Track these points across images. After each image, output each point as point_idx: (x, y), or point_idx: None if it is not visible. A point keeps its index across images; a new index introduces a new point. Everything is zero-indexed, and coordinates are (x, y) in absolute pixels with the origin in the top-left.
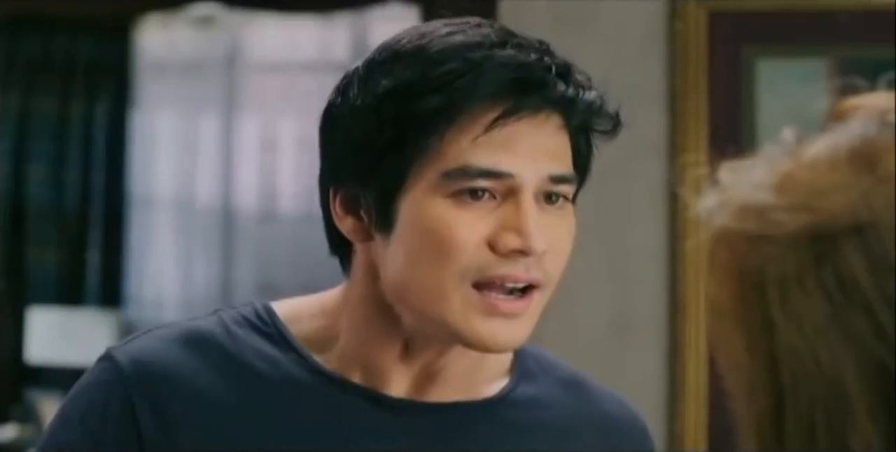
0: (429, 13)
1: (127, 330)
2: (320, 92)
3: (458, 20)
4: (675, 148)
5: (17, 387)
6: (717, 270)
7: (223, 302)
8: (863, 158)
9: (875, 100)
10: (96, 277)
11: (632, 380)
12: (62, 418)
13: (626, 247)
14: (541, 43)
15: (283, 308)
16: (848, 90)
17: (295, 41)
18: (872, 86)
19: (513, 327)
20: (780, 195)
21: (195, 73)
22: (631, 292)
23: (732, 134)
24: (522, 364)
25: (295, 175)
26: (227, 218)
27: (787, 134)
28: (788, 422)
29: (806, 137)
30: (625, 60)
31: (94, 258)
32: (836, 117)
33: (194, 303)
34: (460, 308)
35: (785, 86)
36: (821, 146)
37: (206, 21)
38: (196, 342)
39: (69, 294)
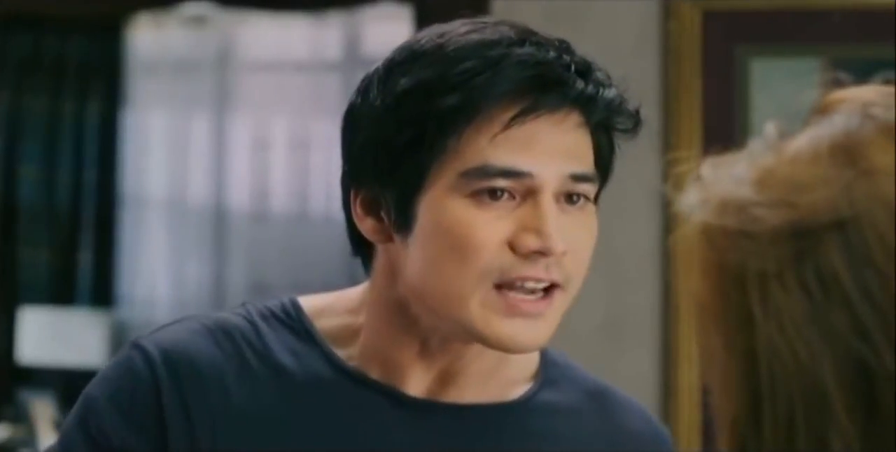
0: (421, 12)
1: (119, 330)
2: (313, 91)
3: (477, 19)
4: (668, 147)
5: (8, 387)
6: (698, 266)
7: (215, 301)
8: (844, 152)
9: (859, 93)
10: (88, 277)
11: (625, 380)
12: (88, 401)
13: (619, 246)
14: (560, 41)
15: (309, 303)
16: (836, 85)
17: (287, 40)
18: (862, 85)
19: (534, 327)
20: (761, 190)
21: (187, 73)
22: (624, 291)
23: (726, 133)
24: (547, 371)
25: (287, 174)
26: (219, 217)
27: (770, 129)
28: (766, 419)
29: (788, 132)
30: (618, 59)
31: (85, 258)
32: (821, 111)
33: (186, 303)
34: (480, 308)
35: (778, 86)
36: (803, 140)
37: (198, 20)
38: (222, 334)
39: (61, 294)
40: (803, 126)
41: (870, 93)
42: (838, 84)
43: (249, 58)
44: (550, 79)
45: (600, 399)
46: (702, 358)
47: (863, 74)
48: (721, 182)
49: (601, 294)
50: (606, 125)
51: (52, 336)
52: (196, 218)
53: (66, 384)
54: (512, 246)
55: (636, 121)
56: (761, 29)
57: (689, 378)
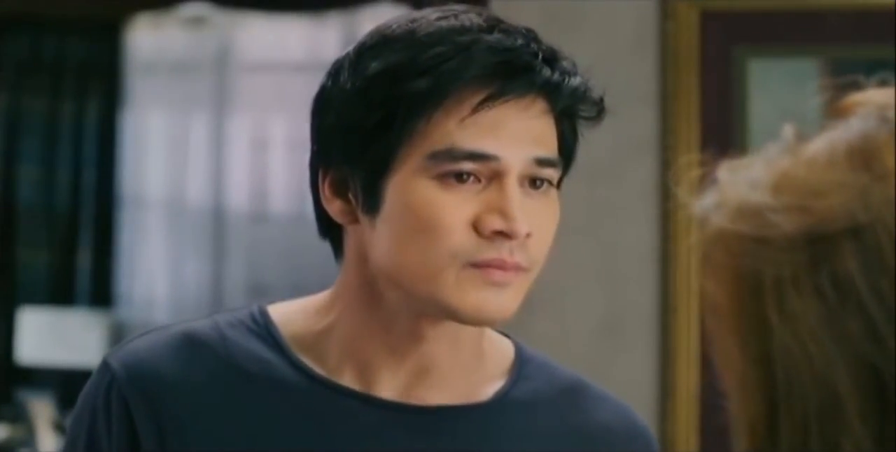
0: None
1: (118, 330)
2: (311, 92)
3: (448, 7)
4: (666, 148)
5: (7, 388)
6: (714, 270)
7: (214, 302)
8: (861, 156)
9: (875, 97)
10: (87, 277)
11: (622, 381)
12: (73, 431)
13: (617, 247)
14: (528, 30)
15: (277, 310)
16: (841, 87)
17: (285, 41)
18: (863, 86)
19: (502, 297)
20: (777, 195)
21: (186, 73)
22: (622, 292)
23: (724, 134)
24: (521, 367)
25: (286, 175)
26: (218, 218)
27: (787, 131)
28: (782, 424)
29: (805, 135)
30: (616, 60)
31: (84, 258)
32: (837, 114)
33: (185, 303)
34: (454, 284)
35: (776, 86)
36: (819, 144)
37: (197, 21)
38: (188, 344)
39: (60, 294)
40: (817, 130)
41: (886, 96)
42: (845, 86)
43: (248, 58)
44: (518, 65)
45: (574, 394)
46: (718, 362)
47: (860, 75)
48: (737, 185)
49: (599, 295)
50: (571, 112)
51: (51, 336)
52: (195, 218)
53: (65, 384)
54: (476, 228)
55: (600, 109)
56: (759, 29)
57: (687, 378)
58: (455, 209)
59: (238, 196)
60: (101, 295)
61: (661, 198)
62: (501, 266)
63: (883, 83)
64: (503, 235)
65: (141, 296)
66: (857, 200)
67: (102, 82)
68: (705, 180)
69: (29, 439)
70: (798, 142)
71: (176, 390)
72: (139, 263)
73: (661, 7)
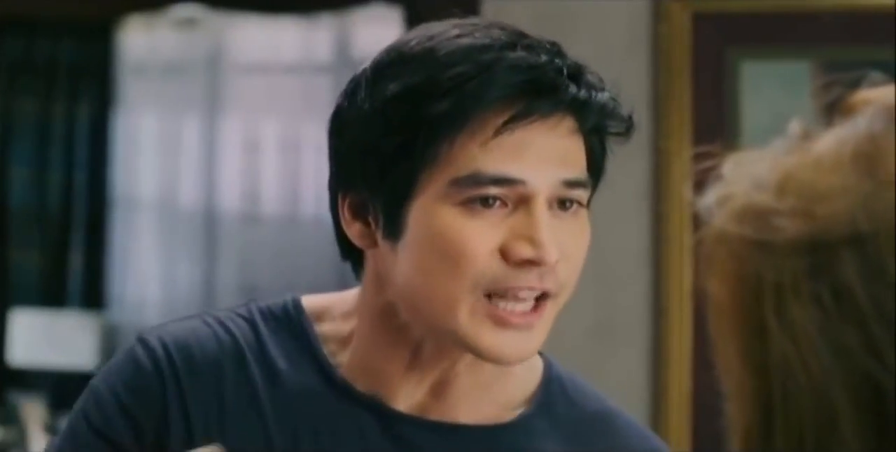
0: (411, 14)
1: (110, 332)
2: (303, 93)
3: (467, 21)
4: (658, 150)
5: None
6: (715, 270)
7: (206, 303)
8: (866, 159)
9: (885, 95)
10: (79, 279)
11: (615, 383)
12: (93, 393)
13: (609, 250)
14: (552, 44)
15: (311, 304)
16: (839, 85)
17: (277, 42)
18: (861, 84)
19: (522, 339)
20: (782, 197)
21: (178, 75)
22: (614, 295)
23: (716, 136)
24: (546, 393)
25: (278, 176)
26: (210, 219)
27: (793, 127)
28: (777, 432)
29: (812, 133)
30: (608, 62)
31: (76, 260)
32: (845, 112)
33: (177, 305)
34: (468, 318)
35: (769, 88)
36: (826, 143)
37: (189, 22)
38: (224, 333)
39: (52, 296)
40: (825, 126)
41: (893, 95)
42: (838, 85)
43: (240, 60)
44: (543, 84)
45: (598, 424)
46: (717, 363)
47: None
48: (742, 183)
49: (591, 295)
50: (599, 129)
51: (43, 338)
52: (187, 220)
53: (58, 386)
54: (504, 255)
55: (629, 124)
56: (752, 31)
57: (678, 379)
58: (481, 236)
59: (230, 197)
60: (94, 296)
61: (654, 200)
62: (530, 289)
63: (876, 84)
64: (532, 262)
65: (133, 298)
66: (860, 208)
67: (94, 83)
68: (708, 175)
69: (21, 441)
70: (804, 140)
71: (206, 375)
72: (131, 265)
73: (654, 8)
